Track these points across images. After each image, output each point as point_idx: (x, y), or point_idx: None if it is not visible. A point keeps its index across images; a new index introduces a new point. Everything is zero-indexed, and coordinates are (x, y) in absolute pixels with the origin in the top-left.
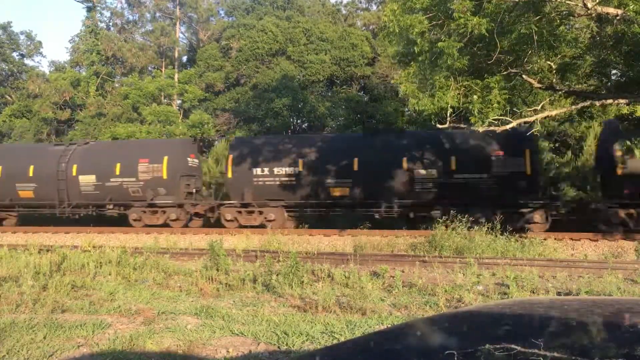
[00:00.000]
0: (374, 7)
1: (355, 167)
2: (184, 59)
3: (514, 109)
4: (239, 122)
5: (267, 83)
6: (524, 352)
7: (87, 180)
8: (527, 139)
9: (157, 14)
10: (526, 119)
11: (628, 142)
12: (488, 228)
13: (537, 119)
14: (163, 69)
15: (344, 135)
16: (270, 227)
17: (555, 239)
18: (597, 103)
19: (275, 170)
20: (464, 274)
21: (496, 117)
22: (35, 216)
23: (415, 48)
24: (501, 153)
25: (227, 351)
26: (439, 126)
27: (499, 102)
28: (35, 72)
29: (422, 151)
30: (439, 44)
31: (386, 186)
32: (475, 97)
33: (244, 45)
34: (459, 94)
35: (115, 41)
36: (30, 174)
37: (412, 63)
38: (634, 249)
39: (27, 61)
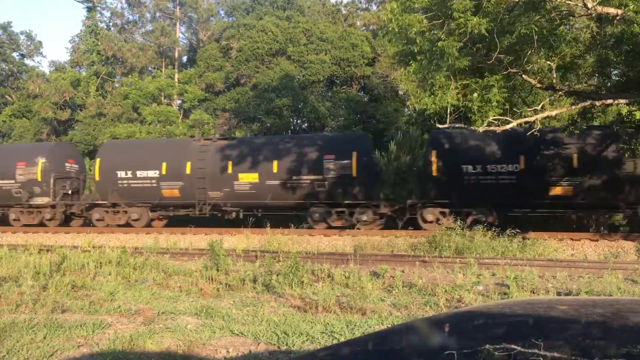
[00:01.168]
0: (374, 7)
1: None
2: (184, 59)
3: (514, 109)
4: (239, 122)
5: (267, 83)
6: (524, 352)
7: None
8: None
9: (157, 14)
10: (526, 119)
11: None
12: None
13: (537, 119)
14: (163, 69)
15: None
16: None
17: (555, 239)
18: (598, 103)
19: None
20: (464, 274)
21: (496, 117)
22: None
23: (414, 47)
24: None
25: (227, 351)
26: (439, 126)
27: (498, 101)
28: (35, 72)
29: None
30: (439, 43)
31: None
32: (474, 95)
33: (244, 45)
34: (458, 93)
35: (115, 41)
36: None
37: (411, 62)
38: (634, 249)
39: (27, 61)
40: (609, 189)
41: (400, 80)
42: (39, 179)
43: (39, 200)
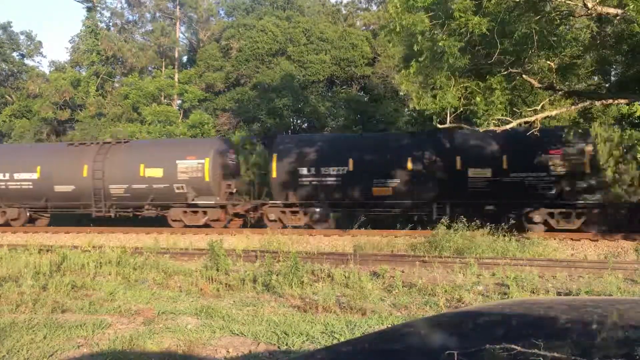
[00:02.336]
0: (374, 7)
1: None
2: (184, 59)
3: (514, 109)
4: (239, 123)
5: (267, 83)
6: (524, 352)
7: None
8: None
9: (157, 14)
10: (526, 119)
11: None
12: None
13: (537, 119)
14: (163, 69)
15: None
16: None
17: (555, 239)
18: (598, 103)
19: None
20: (464, 274)
21: (496, 117)
22: None
23: (415, 46)
24: None
25: (227, 351)
26: (440, 126)
27: (501, 103)
28: (35, 72)
29: None
30: (440, 42)
31: None
32: (478, 98)
33: (244, 45)
34: (460, 95)
35: (115, 41)
36: None
37: (412, 63)
38: (634, 249)
39: (27, 61)
40: None
41: (401, 82)
42: None
43: None
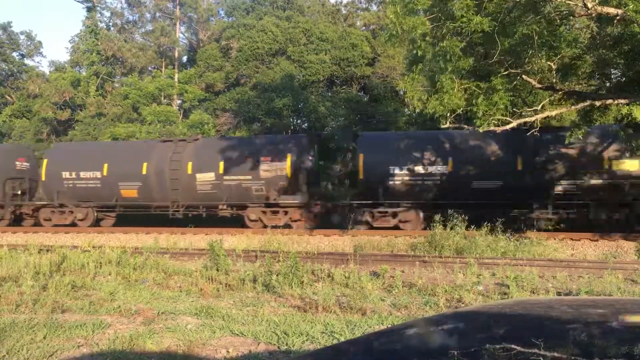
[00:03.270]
0: (374, 7)
1: None
2: (184, 59)
3: (514, 109)
4: (239, 122)
5: (267, 83)
6: (524, 352)
7: None
8: None
9: (157, 14)
10: (526, 119)
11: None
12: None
13: (537, 119)
14: (163, 69)
15: None
16: None
17: (555, 239)
18: (597, 103)
19: None
20: (464, 274)
21: (497, 118)
22: None
23: (418, 50)
24: None
25: (227, 351)
26: (442, 127)
27: (503, 104)
28: (35, 72)
29: None
30: (442, 44)
31: None
32: (479, 99)
33: (244, 45)
34: (462, 95)
35: (115, 41)
36: None
37: (413, 67)
38: (634, 249)
39: (27, 61)
40: None
41: (405, 87)
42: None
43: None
